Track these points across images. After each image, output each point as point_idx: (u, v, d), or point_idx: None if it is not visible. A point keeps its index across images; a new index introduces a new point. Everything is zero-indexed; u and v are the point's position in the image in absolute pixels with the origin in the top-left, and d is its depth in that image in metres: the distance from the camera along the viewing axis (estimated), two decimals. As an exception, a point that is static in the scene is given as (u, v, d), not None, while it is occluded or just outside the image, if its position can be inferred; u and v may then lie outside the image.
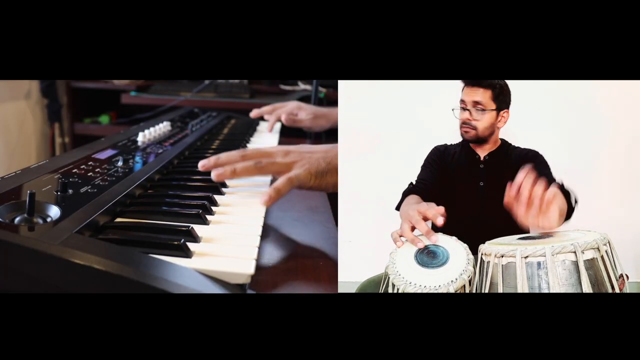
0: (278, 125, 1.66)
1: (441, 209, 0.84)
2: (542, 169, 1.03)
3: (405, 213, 0.90)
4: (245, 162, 0.92)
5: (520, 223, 0.79)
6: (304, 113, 1.64)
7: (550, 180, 0.89)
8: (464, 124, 1.07)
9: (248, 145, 1.37)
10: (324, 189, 0.95)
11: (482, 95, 1.05)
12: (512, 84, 1.09)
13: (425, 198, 1.00)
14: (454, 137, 1.15)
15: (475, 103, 1.05)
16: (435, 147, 1.15)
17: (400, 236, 0.85)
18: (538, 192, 0.77)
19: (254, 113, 1.66)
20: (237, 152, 0.95)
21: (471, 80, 1.06)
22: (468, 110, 1.06)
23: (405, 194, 1.06)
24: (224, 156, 0.93)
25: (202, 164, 0.92)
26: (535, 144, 1.12)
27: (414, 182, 1.10)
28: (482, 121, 1.06)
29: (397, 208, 1.04)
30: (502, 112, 1.07)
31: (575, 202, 0.92)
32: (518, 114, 1.11)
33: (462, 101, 1.07)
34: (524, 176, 0.78)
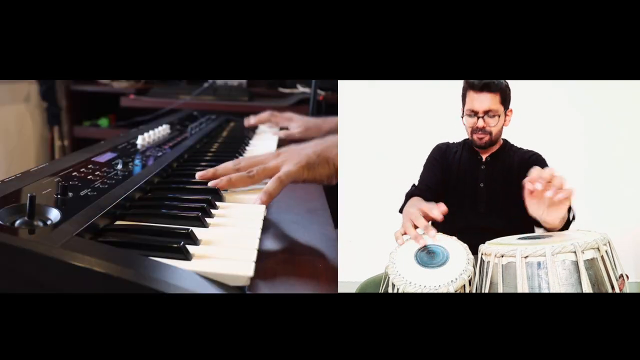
0: (274, 138, 1.57)
1: (443, 208, 0.85)
2: None
3: (406, 212, 0.91)
4: (239, 172, 0.93)
5: (530, 210, 0.81)
6: (295, 125, 1.55)
7: None
8: (478, 131, 1.04)
9: (247, 148, 1.37)
10: (318, 181, 0.96)
11: (492, 100, 1.02)
12: (512, 84, 1.08)
13: (428, 200, 1.00)
14: (454, 137, 1.15)
15: (487, 111, 1.03)
16: (437, 146, 1.13)
17: (403, 234, 0.86)
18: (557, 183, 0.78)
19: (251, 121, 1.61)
20: (232, 163, 0.96)
21: (476, 84, 1.02)
22: (479, 117, 1.03)
23: (408, 196, 1.06)
24: (220, 168, 0.95)
25: (199, 175, 0.94)
26: (535, 144, 1.11)
27: (416, 184, 1.09)
28: (496, 126, 1.04)
29: (400, 210, 1.03)
30: (507, 112, 1.06)
31: (573, 217, 0.91)
32: (518, 114, 1.10)
33: (472, 110, 1.04)
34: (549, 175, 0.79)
